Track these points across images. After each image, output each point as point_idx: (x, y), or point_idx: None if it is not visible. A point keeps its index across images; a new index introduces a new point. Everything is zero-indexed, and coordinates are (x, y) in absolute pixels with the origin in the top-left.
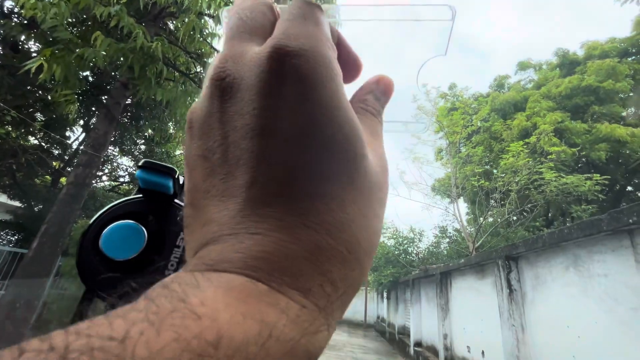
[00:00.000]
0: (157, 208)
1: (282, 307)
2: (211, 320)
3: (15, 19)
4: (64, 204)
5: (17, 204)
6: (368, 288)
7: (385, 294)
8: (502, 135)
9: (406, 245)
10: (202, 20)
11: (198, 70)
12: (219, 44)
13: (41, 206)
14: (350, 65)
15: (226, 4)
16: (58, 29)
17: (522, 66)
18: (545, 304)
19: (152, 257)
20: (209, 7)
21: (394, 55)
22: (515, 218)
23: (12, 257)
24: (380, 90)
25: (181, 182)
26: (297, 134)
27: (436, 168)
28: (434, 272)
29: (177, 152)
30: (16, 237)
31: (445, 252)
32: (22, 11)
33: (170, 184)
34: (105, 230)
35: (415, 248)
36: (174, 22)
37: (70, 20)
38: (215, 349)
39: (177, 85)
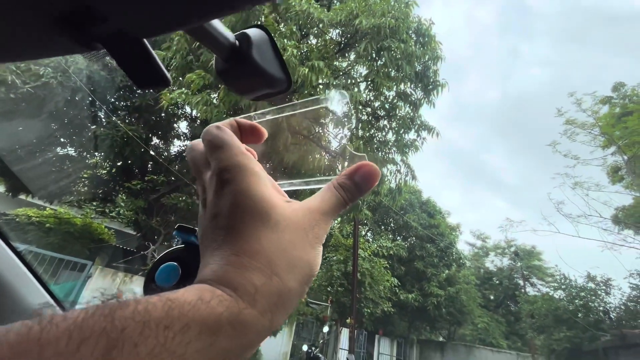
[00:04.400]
0: (189, 254)
1: (214, 292)
2: (171, 299)
3: (198, 122)
4: None
5: None
6: (536, 354)
7: None
8: None
9: (585, 299)
10: (318, 89)
11: (317, 131)
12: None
13: None
14: (255, 133)
15: (333, 73)
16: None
17: None
18: None
19: (184, 284)
20: (317, 80)
21: (503, 66)
22: None
23: None
24: (360, 176)
25: None
26: (230, 210)
27: (613, 193)
28: (637, 341)
29: None
30: None
31: None
32: (199, 114)
33: (194, 239)
34: (159, 268)
35: (602, 303)
36: (297, 97)
37: (228, 114)
38: (167, 305)
39: (301, 147)
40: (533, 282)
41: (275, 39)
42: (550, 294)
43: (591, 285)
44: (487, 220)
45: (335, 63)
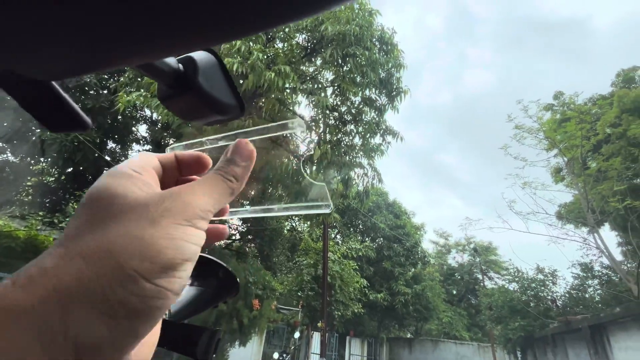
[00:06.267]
0: None
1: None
2: None
3: (159, 125)
4: None
5: None
6: (495, 344)
7: (518, 354)
8: None
9: (536, 290)
10: (285, 93)
11: (284, 135)
12: (298, 110)
13: None
14: (196, 163)
15: (299, 78)
16: (182, 126)
17: None
18: None
19: None
20: (284, 84)
21: (454, 72)
22: None
23: None
24: (240, 156)
25: None
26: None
27: (557, 192)
28: (579, 326)
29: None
30: None
31: (597, 297)
32: (160, 117)
33: None
34: None
35: (549, 293)
36: (263, 100)
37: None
38: None
39: (269, 150)
40: (490, 276)
41: (239, 42)
42: (506, 286)
43: (540, 276)
44: (446, 218)
45: (301, 68)
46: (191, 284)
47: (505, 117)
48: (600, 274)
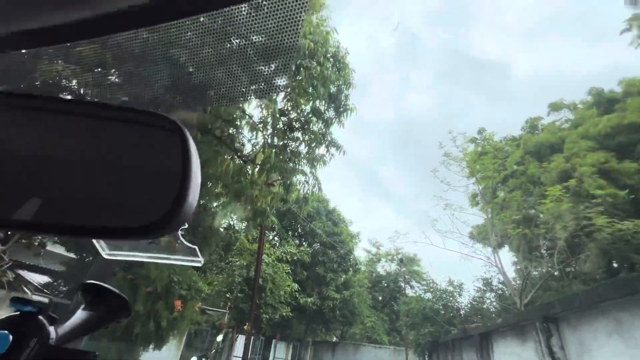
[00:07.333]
0: (23, 322)
1: None
2: None
3: None
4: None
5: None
6: (409, 348)
7: (426, 357)
8: (540, 179)
9: (446, 300)
10: None
11: (230, 132)
12: (247, 109)
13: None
14: None
15: None
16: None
17: (555, 107)
18: None
19: (16, 353)
20: None
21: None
22: (571, 269)
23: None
24: None
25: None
26: None
27: (471, 215)
28: (472, 333)
29: (214, 204)
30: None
31: (492, 308)
32: None
33: (30, 308)
34: None
35: (456, 303)
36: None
37: None
38: None
39: (211, 147)
40: (413, 285)
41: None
42: (422, 295)
43: (450, 288)
44: (380, 228)
45: None
46: (83, 309)
47: (438, 141)
48: (496, 288)
